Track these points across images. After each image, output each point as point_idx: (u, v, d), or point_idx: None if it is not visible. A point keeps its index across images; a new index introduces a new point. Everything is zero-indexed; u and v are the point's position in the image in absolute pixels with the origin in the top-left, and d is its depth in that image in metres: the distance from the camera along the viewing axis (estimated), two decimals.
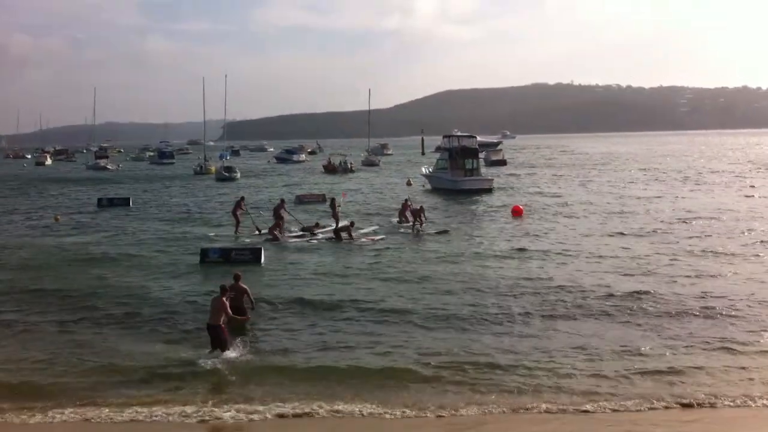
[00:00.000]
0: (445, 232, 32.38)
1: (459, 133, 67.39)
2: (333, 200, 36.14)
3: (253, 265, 25.35)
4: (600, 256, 25.83)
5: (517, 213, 37.82)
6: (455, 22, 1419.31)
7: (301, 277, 23.76)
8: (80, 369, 14.87)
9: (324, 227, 33.22)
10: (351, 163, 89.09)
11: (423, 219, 33.59)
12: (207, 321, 15.43)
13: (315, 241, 31.17)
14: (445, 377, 13.87)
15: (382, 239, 31.00)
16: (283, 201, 35.50)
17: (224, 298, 15.40)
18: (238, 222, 33.87)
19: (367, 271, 24.49)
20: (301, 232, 32.43)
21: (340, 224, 32.14)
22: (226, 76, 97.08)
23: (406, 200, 36.86)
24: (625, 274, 22.67)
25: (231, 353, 15.05)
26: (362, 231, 32.82)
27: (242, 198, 36.54)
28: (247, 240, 31.56)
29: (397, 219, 35.28)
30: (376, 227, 34.32)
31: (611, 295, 19.75)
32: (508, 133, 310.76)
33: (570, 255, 26.25)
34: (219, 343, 15.09)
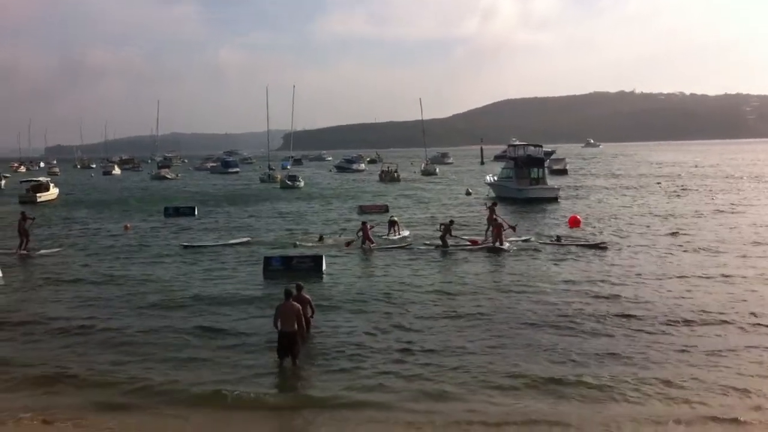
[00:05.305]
0: (603, 247, 30.15)
1: (517, 142, 66.77)
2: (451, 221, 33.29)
3: (314, 273, 25.72)
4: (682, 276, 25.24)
5: (574, 224, 36.63)
6: (531, 29, 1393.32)
7: (364, 285, 23.86)
8: (152, 371, 15.20)
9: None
10: (397, 173, 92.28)
11: (450, 235, 31.30)
12: (280, 329, 14.83)
13: (395, 247, 31.37)
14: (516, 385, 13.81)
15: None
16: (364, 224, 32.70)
17: (295, 303, 15.03)
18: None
19: (437, 282, 24.08)
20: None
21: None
22: (294, 86, 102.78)
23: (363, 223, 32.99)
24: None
25: (299, 361, 15.02)
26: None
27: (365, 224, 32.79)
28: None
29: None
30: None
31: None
32: (592, 141, 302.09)
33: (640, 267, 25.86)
34: (292, 351, 14.83)
